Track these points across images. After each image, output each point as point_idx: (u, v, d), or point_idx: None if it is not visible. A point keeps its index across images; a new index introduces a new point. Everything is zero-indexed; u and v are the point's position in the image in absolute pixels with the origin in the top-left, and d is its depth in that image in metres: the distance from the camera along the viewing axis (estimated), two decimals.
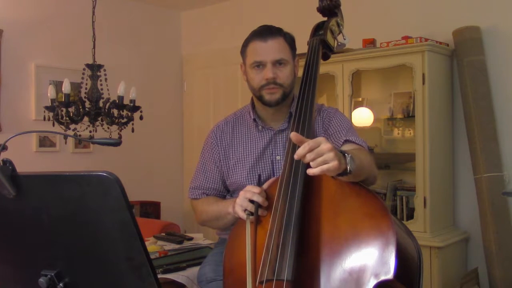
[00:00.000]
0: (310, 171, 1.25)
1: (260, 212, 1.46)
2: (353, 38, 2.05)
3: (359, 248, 1.28)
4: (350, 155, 1.33)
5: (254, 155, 1.78)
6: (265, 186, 1.54)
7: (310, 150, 1.25)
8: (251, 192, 1.48)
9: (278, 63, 1.70)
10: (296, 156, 1.27)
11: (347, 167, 1.30)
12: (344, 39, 1.85)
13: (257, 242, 1.41)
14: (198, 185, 1.86)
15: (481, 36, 3.18)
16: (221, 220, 1.71)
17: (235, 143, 1.83)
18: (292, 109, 1.75)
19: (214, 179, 1.84)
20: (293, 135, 1.29)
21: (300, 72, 1.71)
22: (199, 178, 1.86)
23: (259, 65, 1.70)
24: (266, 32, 1.73)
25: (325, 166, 1.24)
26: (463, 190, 3.32)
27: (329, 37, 1.77)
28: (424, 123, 3.06)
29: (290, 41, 1.75)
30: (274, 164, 1.76)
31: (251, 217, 1.45)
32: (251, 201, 1.47)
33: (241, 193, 1.51)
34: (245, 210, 1.47)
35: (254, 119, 1.80)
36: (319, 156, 1.24)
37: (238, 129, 1.85)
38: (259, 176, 1.70)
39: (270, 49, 1.69)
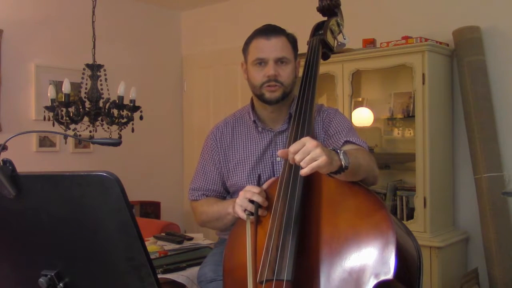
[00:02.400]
0: (302, 172, 1.26)
1: (260, 212, 1.46)
2: (353, 38, 2.05)
3: (359, 248, 1.28)
4: (342, 151, 1.34)
5: (255, 156, 1.77)
6: (264, 186, 1.54)
7: (296, 152, 1.26)
8: (251, 192, 1.48)
9: (280, 61, 1.69)
10: (290, 162, 1.30)
11: (342, 163, 1.31)
12: (344, 38, 1.85)
13: (257, 242, 1.41)
14: (198, 186, 1.85)
15: (481, 36, 3.18)
16: (221, 221, 1.71)
17: (235, 144, 1.82)
18: (292, 109, 1.75)
19: (214, 181, 1.83)
20: (279, 153, 1.33)
21: (300, 72, 1.71)
22: (198, 180, 1.86)
23: (261, 62, 1.70)
24: (269, 30, 1.72)
25: (314, 164, 1.24)
26: (463, 190, 3.32)
27: (329, 37, 1.77)
28: (424, 123, 3.06)
29: (292, 41, 1.75)
30: (275, 166, 1.75)
31: (251, 217, 1.44)
32: (251, 201, 1.47)
33: (241, 193, 1.51)
34: (245, 210, 1.47)
35: (254, 121, 1.79)
36: (307, 155, 1.25)
37: (237, 130, 1.84)
38: (259, 176, 1.69)
39: (273, 46, 1.68)
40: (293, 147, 1.26)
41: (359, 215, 1.34)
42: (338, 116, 1.78)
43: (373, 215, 1.31)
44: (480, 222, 3.07)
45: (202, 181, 1.85)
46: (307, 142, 1.26)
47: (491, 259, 2.98)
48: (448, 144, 3.30)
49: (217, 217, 1.72)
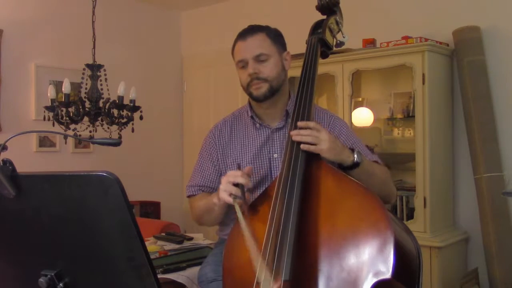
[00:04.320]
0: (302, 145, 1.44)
1: (246, 194, 1.48)
2: (353, 38, 2.05)
3: (357, 247, 1.27)
4: (357, 150, 1.50)
5: (252, 153, 1.78)
6: (246, 170, 1.55)
7: (307, 132, 1.46)
8: (233, 175, 1.50)
9: (259, 59, 1.72)
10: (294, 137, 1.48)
11: (354, 158, 1.46)
12: (344, 37, 1.84)
13: (256, 241, 1.41)
14: (195, 183, 1.86)
15: (481, 36, 3.18)
16: (210, 213, 1.71)
17: (233, 141, 1.83)
18: (289, 107, 1.77)
19: (211, 178, 1.84)
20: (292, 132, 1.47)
21: (298, 71, 1.72)
22: (196, 177, 1.87)
23: (243, 64, 1.75)
24: (246, 31, 1.77)
25: (312, 147, 1.44)
26: (463, 190, 3.32)
27: (327, 36, 1.77)
28: (424, 123, 3.06)
29: (273, 35, 1.78)
30: (272, 162, 1.77)
31: (238, 200, 1.45)
32: (236, 185, 1.48)
33: (223, 178, 1.52)
34: (231, 194, 1.47)
35: (252, 117, 1.81)
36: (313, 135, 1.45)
37: (236, 128, 1.86)
38: (238, 165, 1.67)
39: (249, 46, 1.73)
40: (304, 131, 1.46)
41: (358, 214, 1.34)
42: (346, 129, 1.82)
43: (371, 214, 1.31)
44: (480, 222, 3.07)
45: (199, 178, 1.85)
46: (323, 130, 1.46)
47: (491, 259, 2.98)
48: (448, 144, 3.30)
49: (205, 209, 1.72)
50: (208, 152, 1.86)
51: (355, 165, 1.49)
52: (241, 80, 1.78)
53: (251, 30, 1.77)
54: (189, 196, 1.89)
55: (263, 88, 1.72)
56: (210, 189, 1.84)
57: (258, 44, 1.73)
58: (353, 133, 1.85)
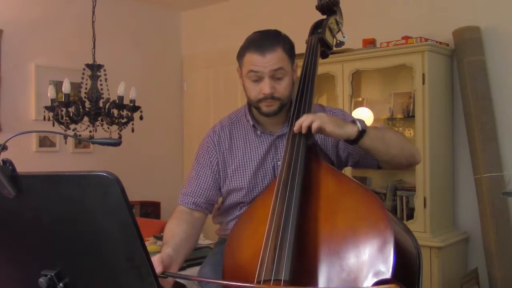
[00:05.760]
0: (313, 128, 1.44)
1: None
2: (353, 38, 2.05)
3: (357, 247, 1.27)
4: (357, 119, 1.50)
5: (255, 161, 1.71)
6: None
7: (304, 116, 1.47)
8: None
9: (276, 77, 1.62)
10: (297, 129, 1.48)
11: (358, 127, 1.46)
12: (344, 37, 1.84)
13: (255, 240, 1.41)
14: (190, 191, 1.76)
15: (481, 36, 3.18)
16: None
17: (234, 149, 1.75)
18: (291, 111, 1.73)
19: (207, 186, 1.75)
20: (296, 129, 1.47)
21: (298, 72, 1.71)
22: (191, 184, 1.77)
23: (256, 78, 1.63)
24: (263, 43, 1.62)
25: (315, 124, 1.43)
26: (463, 190, 3.32)
27: (327, 36, 1.76)
28: (424, 123, 3.06)
29: (288, 49, 1.65)
30: (276, 170, 1.70)
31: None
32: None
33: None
34: None
35: (253, 125, 1.73)
36: (312, 117, 1.46)
37: (235, 134, 1.77)
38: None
39: (268, 63, 1.60)
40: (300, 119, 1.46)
41: (357, 214, 1.34)
42: (347, 115, 1.78)
43: (371, 214, 1.31)
44: (480, 222, 3.07)
45: (195, 186, 1.76)
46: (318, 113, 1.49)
47: (491, 259, 2.98)
48: (448, 144, 3.30)
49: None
50: (207, 158, 1.78)
51: (362, 133, 1.47)
52: (249, 93, 1.67)
53: (269, 44, 1.61)
54: (179, 204, 1.78)
55: (274, 106, 1.64)
56: (204, 198, 1.74)
57: (277, 61, 1.60)
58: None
